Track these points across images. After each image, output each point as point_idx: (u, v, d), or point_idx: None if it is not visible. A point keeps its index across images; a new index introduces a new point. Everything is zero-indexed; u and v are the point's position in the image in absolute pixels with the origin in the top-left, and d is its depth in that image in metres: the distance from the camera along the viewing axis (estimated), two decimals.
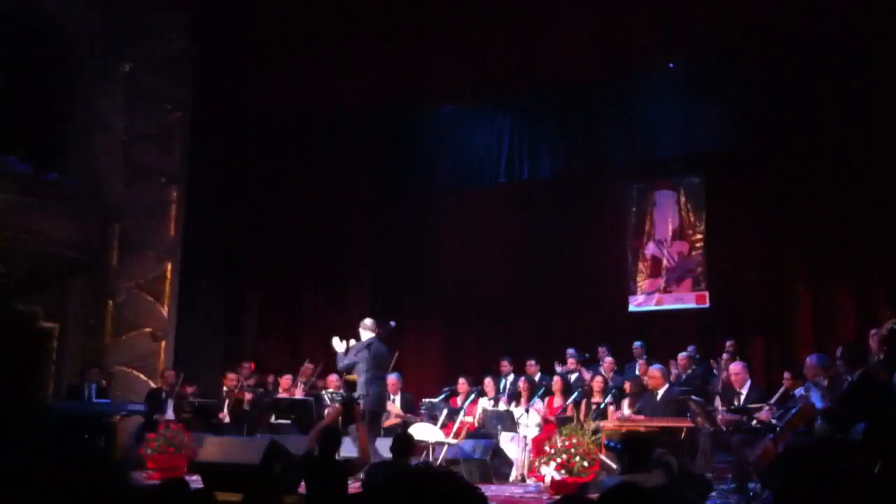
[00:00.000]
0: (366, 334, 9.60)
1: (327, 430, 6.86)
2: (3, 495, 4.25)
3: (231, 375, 12.01)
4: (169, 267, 13.50)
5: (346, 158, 14.74)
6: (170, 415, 11.14)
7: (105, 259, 13.34)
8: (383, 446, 9.36)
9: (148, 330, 13.31)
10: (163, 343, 13.35)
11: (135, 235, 13.38)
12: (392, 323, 10.57)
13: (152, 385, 12.49)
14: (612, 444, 8.46)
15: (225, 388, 11.94)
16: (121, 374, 13.04)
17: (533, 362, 11.83)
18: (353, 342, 9.62)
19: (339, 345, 9.60)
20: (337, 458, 6.96)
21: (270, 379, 12.67)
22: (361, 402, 8.95)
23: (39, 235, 12.29)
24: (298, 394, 11.63)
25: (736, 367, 9.19)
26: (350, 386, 9.14)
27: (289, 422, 11.05)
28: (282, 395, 11.76)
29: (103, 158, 13.47)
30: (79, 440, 11.07)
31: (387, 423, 11.21)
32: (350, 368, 9.58)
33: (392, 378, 11.54)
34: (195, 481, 8.38)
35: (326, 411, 10.10)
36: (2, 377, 11.45)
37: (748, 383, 8.90)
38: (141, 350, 13.21)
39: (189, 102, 13.73)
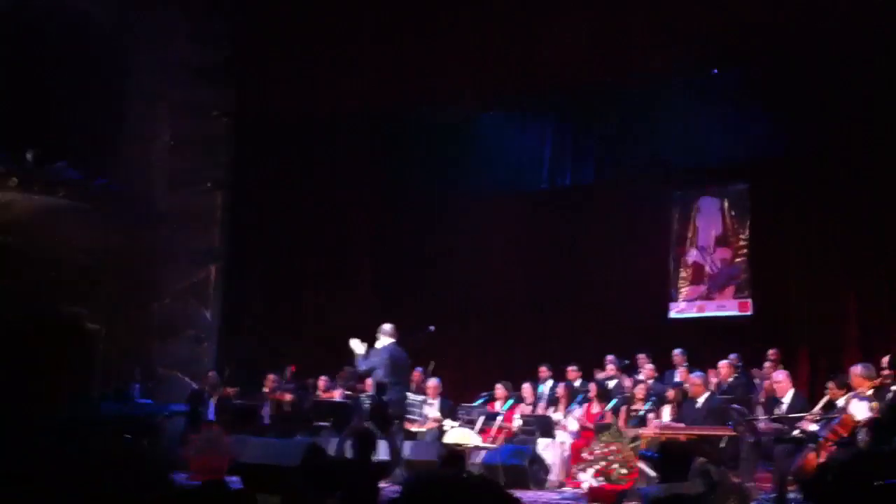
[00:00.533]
0: (384, 340, 9.63)
1: (363, 433, 6.91)
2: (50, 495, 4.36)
3: (271, 377, 12.13)
4: (213, 271, 13.68)
5: (388, 161, 14.76)
6: (212, 416, 11.26)
7: (150, 263, 13.55)
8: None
9: (191, 332, 13.50)
10: (206, 345, 13.53)
11: (179, 240, 13.58)
12: (431, 328, 10.65)
13: (195, 386, 12.65)
14: (649, 453, 8.41)
15: (265, 390, 12.05)
16: (165, 375, 13.24)
17: (574, 368, 11.78)
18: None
19: (358, 346, 9.61)
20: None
21: (310, 381, 12.75)
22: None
23: (87, 239, 12.51)
24: (337, 396, 11.69)
25: (779, 376, 9.07)
26: (380, 389, 9.20)
27: (328, 424, 11.14)
28: (321, 396, 11.83)
29: (150, 165, 13.68)
30: (124, 440, 11.27)
31: (425, 427, 11.26)
32: (368, 373, 9.64)
33: (432, 382, 11.62)
34: (236, 482, 8.48)
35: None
36: (48, 378, 11.67)
37: (791, 392, 8.79)
38: (184, 352, 13.42)
39: (233, 107, 13.92)
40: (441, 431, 10.98)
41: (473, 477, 2.68)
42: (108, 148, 13.28)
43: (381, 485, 7.03)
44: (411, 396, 11.28)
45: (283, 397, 11.77)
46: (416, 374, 12.08)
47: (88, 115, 12.91)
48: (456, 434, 10.62)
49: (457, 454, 6.80)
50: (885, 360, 7.42)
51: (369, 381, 10.77)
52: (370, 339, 9.81)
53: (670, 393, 10.12)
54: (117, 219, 12.95)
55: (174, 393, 12.81)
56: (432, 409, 11.46)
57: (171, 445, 11.53)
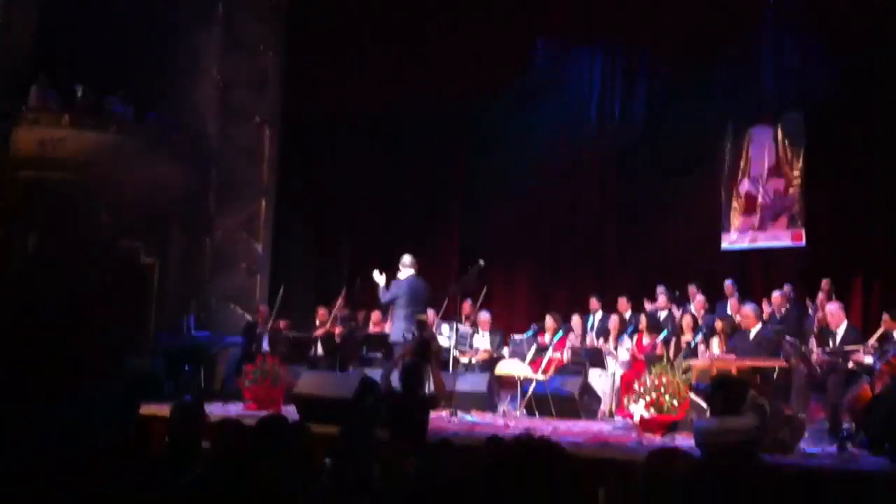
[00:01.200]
0: (405, 272, 9.85)
1: (411, 367, 6.99)
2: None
3: (322, 310, 12.28)
4: (263, 205, 13.80)
5: (453, 96, 14.49)
6: (265, 348, 11.47)
7: (202, 198, 13.70)
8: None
9: (244, 265, 13.69)
10: (258, 278, 13.72)
11: (230, 175, 13.69)
12: (480, 261, 10.67)
13: (248, 318, 12.86)
14: (701, 386, 8.41)
15: (317, 322, 12.23)
16: (218, 308, 13.48)
17: (625, 300, 11.76)
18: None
19: (379, 277, 9.86)
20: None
21: (361, 314, 12.89)
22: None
23: (140, 176, 12.65)
24: (389, 329, 11.81)
25: (832, 307, 8.96)
26: (421, 325, 9.33)
27: (379, 356, 11.30)
28: (373, 329, 11.97)
29: (200, 101, 13.74)
30: (181, 371, 11.56)
31: (477, 358, 11.37)
32: (390, 303, 9.85)
33: (483, 315, 11.70)
34: (291, 412, 8.68)
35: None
36: (109, 312, 11.96)
37: (844, 324, 8.69)
38: (237, 285, 13.62)
39: (282, 46, 13.88)
40: (493, 362, 11.08)
41: (537, 442, 2.67)
42: (159, 83, 13.33)
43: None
44: (461, 328, 11.40)
45: (334, 329, 11.93)
46: (467, 305, 12.18)
47: (138, 50, 12.97)
48: (507, 365, 10.72)
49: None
50: None
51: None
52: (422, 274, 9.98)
53: (718, 324, 10.07)
54: (169, 153, 13.06)
55: (229, 325, 13.05)
56: (483, 341, 11.56)
57: (227, 376, 11.82)
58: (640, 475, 2.83)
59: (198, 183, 13.57)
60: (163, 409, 7.25)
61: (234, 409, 9.83)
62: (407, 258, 9.94)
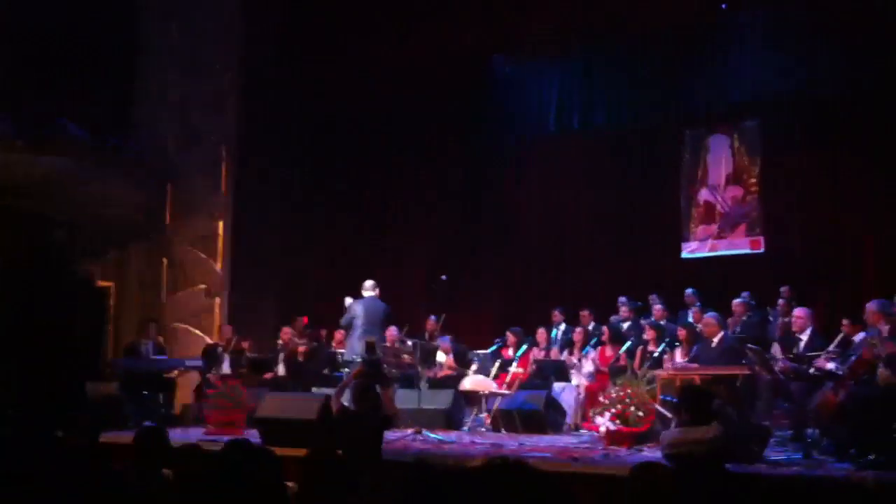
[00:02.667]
0: (365, 293, 9.99)
1: (364, 386, 6.95)
2: None
3: (286, 329, 12.16)
4: (221, 225, 13.65)
5: (403, 111, 14.60)
6: (226, 370, 11.30)
7: (160, 219, 13.52)
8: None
9: (202, 287, 13.51)
10: (217, 299, 13.55)
11: (188, 196, 13.54)
12: (443, 277, 10.66)
13: (208, 341, 12.68)
14: (668, 398, 8.42)
15: (280, 342, 12.09)
16: (177, 330, 13.28)
17: (587, 312, 11.77)
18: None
19: (349, 301, 10.07)
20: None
21: (324, 332, 12.78)
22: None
23: (96, 198, 12.46)
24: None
25: (799, 312, 8.92)
26: (370, 347, 9.34)
27: (342, 375, 11.19)
28: (336, 348, 11.86)
29: (158, 122, 13.58)
30: (139, 396, 11.35)
31: (440, 374, 11.32)
32: (348, 325, 9.93)
33: (444, 343, 11.66)
34: (253, 436, 8.53)
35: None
36: (63, 336, 11.73)
37: (809, 330, 8.71)
38: (196, 307, 13.43)
39: (239, 66, 13.77)
40: (457, 378, 11.02)
41: (509, 462, 2.67)
42: (116, 104, 13.17)
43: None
44: (424, 344, 11.35)
45: (296, 349, 11.81)
46: (430, 322, 12.14)
47: (95, 72, 12.79)
48: (472, 381, 10.67)
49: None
50: None
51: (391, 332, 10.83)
52: (385, 289, 10.07)
53: (681, 333, 10.09)
54: (125, 175, 12.88)
55: (188, 347, 12.85)
56: (446, 358, 11.51)
57: (188, 401, 11.63)
58: (626, 490, 2.80)
59: (155, 204, 13.40)
60: (123, 437, 7.11)
61: (196, 434, 9.65)
62: (368, 282, 10.04)
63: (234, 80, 13.75)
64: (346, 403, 8.04)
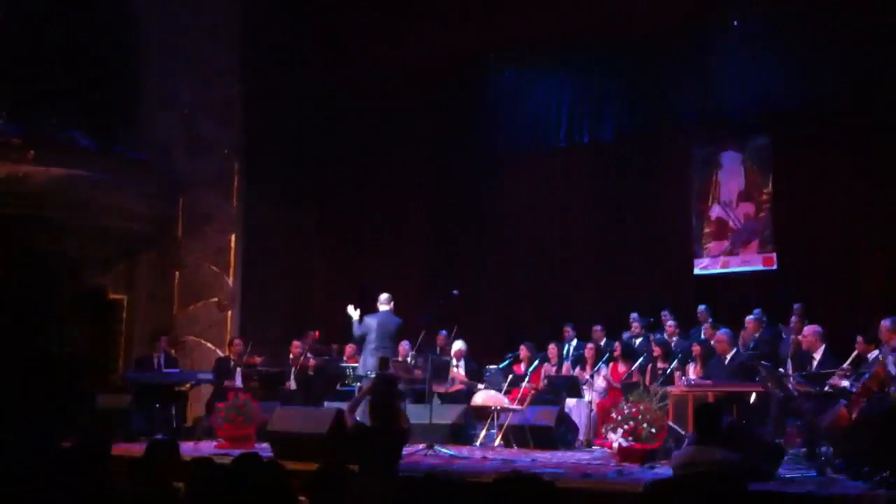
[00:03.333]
0: (380, 307, 9.97)
1: (383, 401, 6.94)
2: None
3: (296, 343, 12.17)
4: (233, 238, 13.68)
5: (408, 120, 14.66)
6: (238, 384, 11.32)
7: (171, 231, 13.57)
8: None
9: (214, 300, 13.54)
10: (229, 313, 13.57)
11: (199, 208, 13.58)
12: (454, 291, 10.65)
13: (220, 354, 12.70)
14: (674, 426, 8.39)
15: (291, 356, 12.09)
16: (189, 343, 13.30)
17: (599, 328, 11.73)
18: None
19: (353, 312, 9.95)
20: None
21: (335, 346, 12.79)
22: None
23: (107, 210, 12.52)
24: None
25: (808, 331, 8.94)
26: (383, 363, 9.34)
27: (353, 390, 11.19)
28: (347, 362, 11.86)
29: (167, 132, 13.65)
30: (151, 409, 11.37)
31: (451, 390, 11.29)
32: (361, 339, 9.94)
33: (458, 345, 11.64)
34: (264, 450, 8.54)
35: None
36: (75, 350, 11.77)
37: (822, 348, 8.68)
38: (208, 320, 13.45)
39: (248, 76, 13.82)
40: (469, 393, 11.00)
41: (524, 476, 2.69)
42: (125, 114, 13.24)
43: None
44: (436, 359, 11.31)
45: (307, 363, 11.81)
46: (441, 337, 12.13)
47: (105, 81, 12.88)
48: (483, 396, 10.64)
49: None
50: None
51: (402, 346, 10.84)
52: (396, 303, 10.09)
53: (696, 349, 10.08)
54: (136, 186, 12.94)
55: (200, 360, 12.87)
56: (458, 372, 11.49)
57: (199, 414, 11.64)
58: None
59: (166, 215, 13.45)
60: (134, 449, 7.12)
61: (207, 447, 9.66)
62: (384, 296, 10.02)
63: (241, 89, 13.80)
64: (358, 418, 8.04)
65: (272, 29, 13.94)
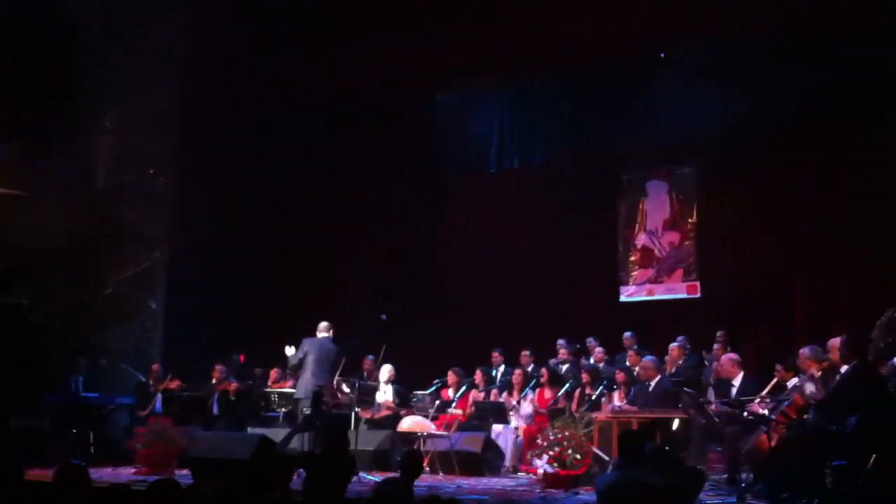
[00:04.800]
0: (320, 334, 10.27)
1: (339, 427, 6.90)
2: None
3: (218, 367, 11.96)
4: (160, 258, 13.42)
5: (346, 143, 14.64)
6: (158, 408, 11.07)
7: (95, 250, 13.23)
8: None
9: (137, 322, 13.23)
10: (152, 335, 13.28)
11: (126, 226, 13.27)
12: (383, 316, 10.61)
13: (140, 378, 12.40)
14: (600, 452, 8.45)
15: (213, 381, 11.88)
16: (110, 366, 12.96)
17: (527, 353, 11.78)
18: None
19: (289, 350, 10.29)
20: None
21: (258, 371, 12.59)
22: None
23: (27, 225, 12.18)
24: (289, 386, 11.55)
25: (726, 359, 9.15)
26: (316, 398, 9.56)
27: (278, 415, 11.06)
28: (272, 387, 11.69)
29: (96, 147, 13.34)
30: (68, 432, 11.04)
31: (378, 415, 11.19)
32: (298, 365, 10.11)
33: (385, 369, 11.56)
34: (185, 476, 8.35)
35: None
36: None
37: (740, 375, 8.86)
38: (130, 342, 13.13)
39: (183, 90, 13.63)
40: (395, 419, 10.92)
41: None
42: (52, 128, 12.93)
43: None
44: (362, 384, 11.23)
45: (228, 387, 11.61)
46: (367, 361, 12.04)
47: (32, 93, 12.57)
48: (409, 422, 10.57)
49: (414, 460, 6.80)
50: (841, 339, 7.46)
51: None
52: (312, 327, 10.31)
53: (619, 376, 10.16)
54: (59, 202, 12.63)
55: (120, 385, 12.54)
56: (385, 396, 11.40)
57: (118, 438, 11.33)
58: None
59: (90, 232, 13.12)
60: (48, 474, 6.89)
61: (125, 473, 9.41)
62: (323, 324, 10.28)
63: (175, 104, 13.59)
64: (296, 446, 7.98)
65: (215, 51, 13.77)
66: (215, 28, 13.59)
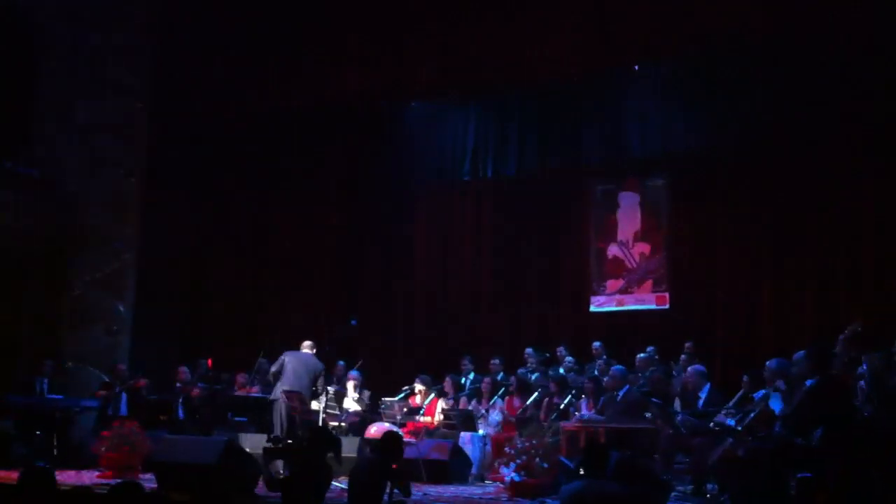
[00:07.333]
0: (304, 350, 10.55)
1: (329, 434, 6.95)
2: None
3: (182, 369, 11.87)
4: (127, 260, 13.29)
5: (315, 152, 14.67)
6: (124, 411, 10.96)
7: (61, 251, 13.08)
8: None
9: (104, 325, 13.09)
10: (119, 338, 13.15)
11: (93, 228, 13.14)
12: (353, 322, 10.63)
13: (106, 380, 12.25)
14: (566, 461, 8.45)
15: (178, 384, 11.78)
16: (76, 368, 12.80)
17: (496, 361, 11.79)
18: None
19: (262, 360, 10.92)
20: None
21: (224, 376, 12.48)
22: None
23: None
24: (255, 392, 11.48)
25: (691, 371, 9.23)
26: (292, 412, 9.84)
27: (245, 420, 10.99)
28: (238, 392, 11.61)
29: (62, 148, 13.21)
30: (32, 435, 10.91)
31: (345, 422, 11.15)
32: (277, 375, 10.29)
33: (353, 376, 11.55)
34: (150, 480, 8.27)
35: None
36: None
37: (707, 387, 8.93)
38: (97, 345, 12.98)
39: (151, 93, 13.53)
40: (363, 426, 10.88)
41: None
42: (18, 128, 12.78)
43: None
44: (330, 390, 11.19)
45: (191, 391, 11.52)
46: (338, 367, 12.01)
47: None
48: (377, 428, 10.53)
49: (395, 438, 6.85)
50: (807, 351, 7.54)
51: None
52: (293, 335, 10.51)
53: (588, 385, 10.19)
54: (26, 203, 12.49)
55: (86, 387, 12.39)
56: (353, 404, 11.37)
57: (83, 441, 11.20)
58: None
59: (57, 235, 12.97)
60: (12, 476, 6.81)
61: (89, 476, 9.31)
62: (307, 342, 10.59)
63: (143, 106, 13.47)
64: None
65: (183, 55, 13.69)
66: (184, 29, 13.52)
